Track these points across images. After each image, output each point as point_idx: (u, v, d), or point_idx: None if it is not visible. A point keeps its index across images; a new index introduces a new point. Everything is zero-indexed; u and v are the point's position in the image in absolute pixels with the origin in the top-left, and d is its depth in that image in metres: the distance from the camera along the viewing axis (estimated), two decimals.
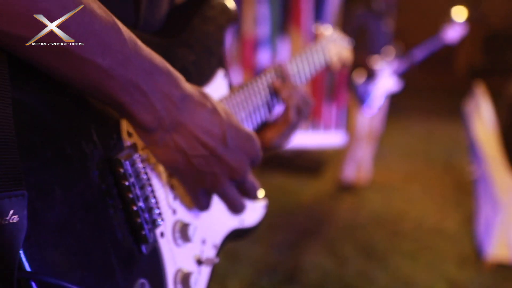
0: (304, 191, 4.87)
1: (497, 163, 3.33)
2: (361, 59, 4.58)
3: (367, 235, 3.91)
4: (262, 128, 1.01)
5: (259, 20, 5.48)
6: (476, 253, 3.54)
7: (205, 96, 0.70)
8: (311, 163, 5.56)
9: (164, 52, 0.77)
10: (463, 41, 6.13)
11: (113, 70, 0.58)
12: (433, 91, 11.15)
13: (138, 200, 0.69)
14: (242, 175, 0.74)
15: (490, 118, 3.70)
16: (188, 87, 0.68)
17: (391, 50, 4.84)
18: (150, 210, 0.71)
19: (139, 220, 0.69)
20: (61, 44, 0.54)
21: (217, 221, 0.89)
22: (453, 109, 8.77)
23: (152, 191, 0.73)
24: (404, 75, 4.88)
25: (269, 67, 1.03)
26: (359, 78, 4.61)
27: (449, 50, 9.42)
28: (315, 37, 1.30)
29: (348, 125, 5.12)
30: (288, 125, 1.00)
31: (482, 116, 3.67)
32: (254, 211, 0.99)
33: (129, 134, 0.70)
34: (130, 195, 0.68)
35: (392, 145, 6.56)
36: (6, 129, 0.52)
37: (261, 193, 0.88)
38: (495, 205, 3.32)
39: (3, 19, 0.51)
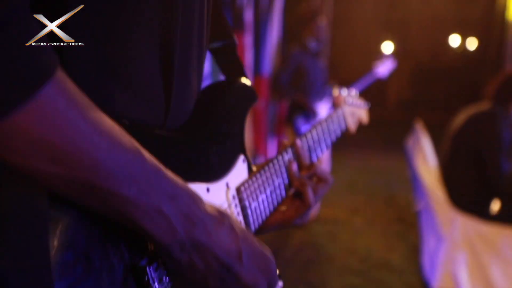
0: None
1: (438, 195, 3.48)
2: (301, 99, 4.73)
3: (318, 271, 3.94)
4: (280, 205, 1.02)
5: None
6: (423, 285, 3.65)
7: (222, 215, 0.71)
8: None
9: (188, 148, 0.80)
10: (392, 75, 6.50)
11: (137, 199, 0.60)
12: (367, 125, 11.55)
13: None
14: None
15: (430, 152, 3.89)
16: (207, 206, 0.69)
17: (328, 87, 5.02)
18: None
19: None
20: (91, 181, 0.56)
21: None
22: (388, 141, 9.15)
23: None
24: None
25: (286, 144, 1.04)
26: (299, 117, 4.73)
27: (381, 85, 9.87)
28: (333, 100, 1.29)
29: None
30: (306, 208, 1.01)
31: (423, 150, 3.85)
32: None
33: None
34: None
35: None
36: (43, 251, 0.53)
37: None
38: (438, 237, 3.46)
39: (36, 158, 0.53)
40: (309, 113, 4.76)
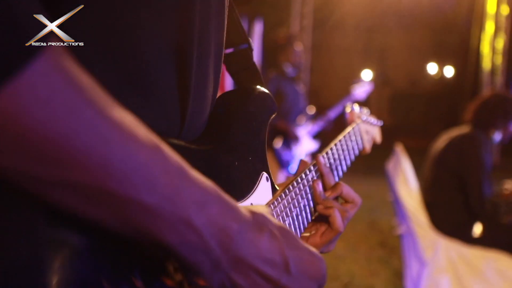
0: None
1: (420, 219, 3.47)
2: (282, 124, 4.73)
3: None
4: (305, 229, 0.92)
5: None
6: None
7: (260, 219, 0.59)
8: None
9: (208, 161, 0.70)
10: (371, 102, 6.60)
11: (160, 207, 0.48)
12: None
13: None
14: None
15: (411, 174, 3.88)
16: (244, 213, 0.57)
17: (307, 111, 5.05)
18: None
19: None
20: (99, 185, 0.44)
21: None
22: (369, 166, 9.17)
23: None
24: (319, 135, 5.09)
25: (308, 164, 0.94)
26: (279, 142, 4.73)
27: None
28: (347, 116, 1.19)
29: None
30: (335, 233, 0.91)
31: (404, 172, 3.84)
32: None
33: (176, 269, 0.59)
34: None
35: None
36: None
37: None
38: (421, 261, 3.43)
39: (25, 159, 0.42)
40: (290, 138, 4.75)
